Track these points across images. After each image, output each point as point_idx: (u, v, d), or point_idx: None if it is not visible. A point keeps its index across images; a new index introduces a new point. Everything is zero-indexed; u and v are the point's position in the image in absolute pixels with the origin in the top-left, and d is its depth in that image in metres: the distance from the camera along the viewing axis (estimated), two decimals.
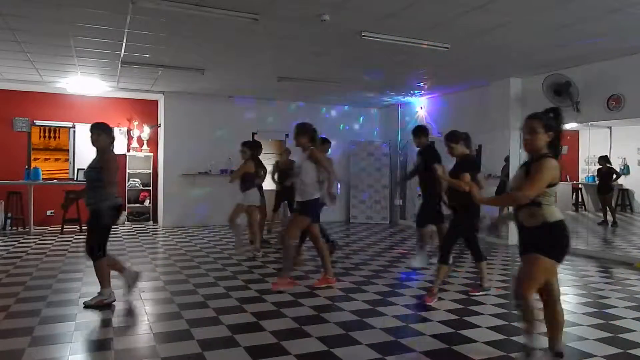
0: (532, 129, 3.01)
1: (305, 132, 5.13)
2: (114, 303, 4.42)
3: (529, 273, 2.93)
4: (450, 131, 4.96)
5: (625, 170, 10.07)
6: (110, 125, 4.60)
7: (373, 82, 9.00)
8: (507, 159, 8.42)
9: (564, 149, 11.63)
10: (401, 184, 10.72)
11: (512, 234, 8.29)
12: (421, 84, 9.07)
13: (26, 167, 9.64)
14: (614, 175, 9.75)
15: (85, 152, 10.35)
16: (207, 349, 3.33)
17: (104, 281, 4.41)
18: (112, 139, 4.52)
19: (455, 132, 4.89)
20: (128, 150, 10.67)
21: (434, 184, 5.65)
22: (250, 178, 6.93)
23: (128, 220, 10.58)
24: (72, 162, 10.39)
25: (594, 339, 3.63)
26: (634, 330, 3.82)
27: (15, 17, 5.48)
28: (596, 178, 9.92)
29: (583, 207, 11.15)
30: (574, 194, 11.58)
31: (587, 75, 7.14)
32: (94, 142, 4.44)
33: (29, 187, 9.04)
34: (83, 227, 9.33)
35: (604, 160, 9.60)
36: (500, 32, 5.70)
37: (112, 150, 4.53)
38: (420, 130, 6.17)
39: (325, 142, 6.84)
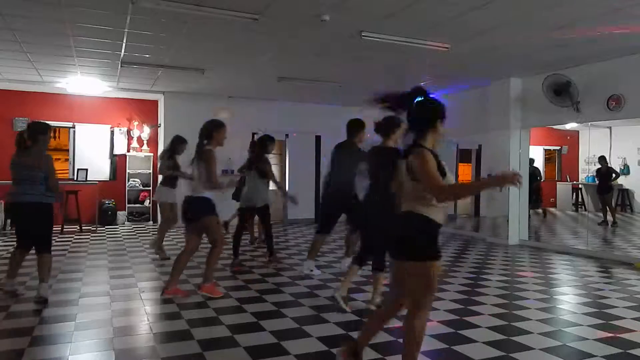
0: None
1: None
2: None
3: None
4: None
5: (625, 170, 10.08)
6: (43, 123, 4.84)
7: (373, 82, 8.99)
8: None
9: (564, 149, 11.67)
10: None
11: (512, 233, 8.31)
12: (421, 84, 9.06)
13: None
14: (613, 175, 9.76)
15: (85, 152, 10.38)
16: (207, 349, 3.33)
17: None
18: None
19: None
20: (128, 150, 10.67)
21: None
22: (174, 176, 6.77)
23: (128, 220, 10.59)
24: (72, 162, 10.38)
25: (594, 339, 3.62)
26: (634, 330, 3.82)
27: (15, 17, 5.48)
28: (596, 178, 9.92)
29: (583, 207, 11.16)
30: (574, 194, 11.60)
31: (587, 75, 7.14)
32: None
33: None
34: (83, 227, 9.35)
35: (604, 160, 9.62)
36: (500, 32, 5.70)
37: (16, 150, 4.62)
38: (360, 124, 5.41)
39: (267, 141, 6.44)
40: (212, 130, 4.64)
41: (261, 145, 6.43)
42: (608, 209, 9.75)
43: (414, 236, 2.57)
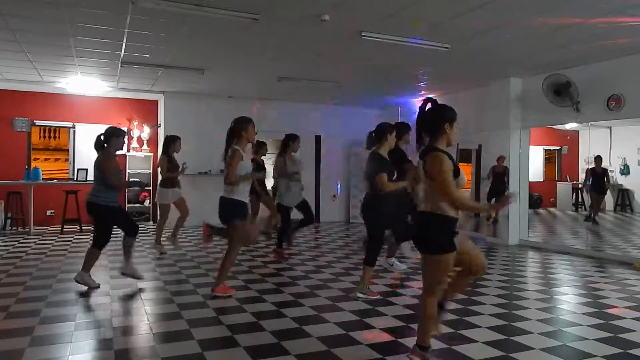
0: None
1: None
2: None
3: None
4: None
5: (625, 170, 10.08)
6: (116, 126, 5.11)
7: (373, 82, 9.00)
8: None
9: (564, 149, 11.66)
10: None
11: (512, 233, 8.30)
12: (421, 84, 9.07)
13: (26, 167, 9.64)
14: (606, 179, 9.74)
15: (85, 152, 10.37)
16: (207, 349, 3.33)
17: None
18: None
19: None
20: (128, 150, 10.65)
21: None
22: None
23: None
24: (72, 162, 10.38)
25: (594, 339, 3.62)
26: (634, 330, 3.82)
27: (15, 17, 5.48)
28: (590, 177, 9.80)
29: (583, 207, 11.16)
30: (574, 194, 11.59)
31: (587, 75, 7.13)
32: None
33: (29, 187, 9.04)
34: (83, 227, 9.35)
35: (600, 160, 9.59)
36: (501, 32, 5.70)
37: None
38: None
39: (262, 145, 7.37)
40: (241, 130, 4.66)
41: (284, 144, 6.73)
42: (595, 206, 9.72)
43: (433, 234, 2.88)
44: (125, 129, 9.92)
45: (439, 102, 3.08)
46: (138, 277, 5.13)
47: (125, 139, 5.52)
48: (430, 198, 2.92)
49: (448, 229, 2.88)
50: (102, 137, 4.95)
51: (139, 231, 5.31)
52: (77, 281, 4.91)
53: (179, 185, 7.22)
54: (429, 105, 3.05)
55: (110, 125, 5.10)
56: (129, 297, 4.70)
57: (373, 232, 4.75)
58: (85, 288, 4.89)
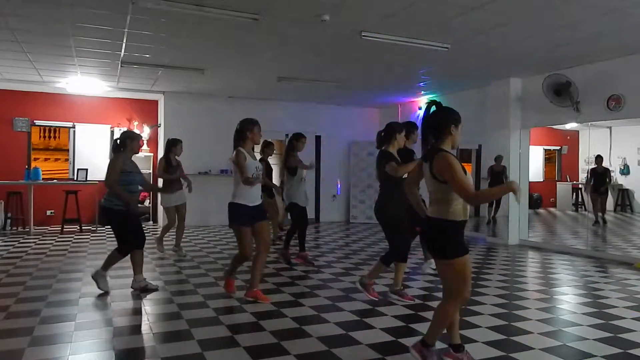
0: None
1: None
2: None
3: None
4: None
5: (625, 170, 10.07)
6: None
7: (373, 82, 9.00)
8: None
9: (564, 149, 11.66)
10: None
11: (512, 233, 8.31)
12: (421, 84, 9.07)
13: (26, 167, 9.64)
14: (607, 179, 9.70)
15: (85, 152, 10.38)
16: (207, 349, 3.33)
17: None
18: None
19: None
20: None
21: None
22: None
23: None
24: (72, 162, 10.38)
25: (594, 339, 3.62)
26: (634, 330, 3.81)
27: (15, 17, 5.48)
28: (591, 178, 9.78)
29: (583, 207, 11.15)
30: (574, 194, 11.59)
31: (587, 75, 7.14)
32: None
33: (29, 187, 9.05)
34: (83, 227, 9.35)
35: (601, 159, 9.57)
36: (500, 32, 5.70)
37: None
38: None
39: (268, 145, 7.54)
40: (246, 131, 4.53)
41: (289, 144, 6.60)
42: (595, 207, 9.70)
43: (443, 240, 2.87)
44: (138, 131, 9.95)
45: (443, 105, 3.08)
46: (150, 290, 4.91)
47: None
48: (437, 202, 2.89)
49: (457, 233, 2.87)
50: (117, 141, 4.91)
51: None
52: (92, 277, 4.91)
53: (189, 186, 7.08)
54: (433, 108, 3.05)
55: (126, 129, 5.06)
56: (129, 297, 4.69)
57: (391, 233, 4.60)
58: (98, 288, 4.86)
